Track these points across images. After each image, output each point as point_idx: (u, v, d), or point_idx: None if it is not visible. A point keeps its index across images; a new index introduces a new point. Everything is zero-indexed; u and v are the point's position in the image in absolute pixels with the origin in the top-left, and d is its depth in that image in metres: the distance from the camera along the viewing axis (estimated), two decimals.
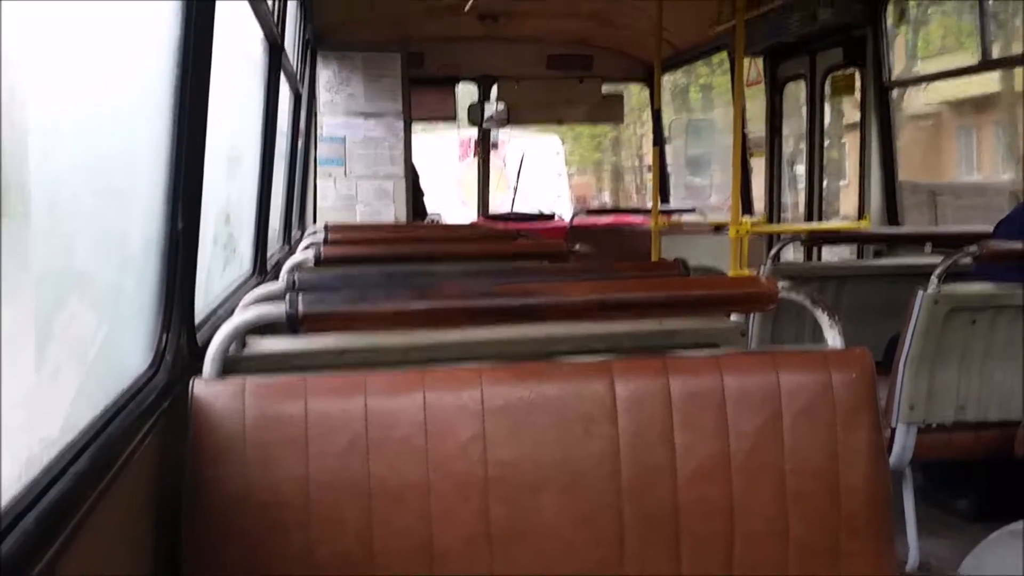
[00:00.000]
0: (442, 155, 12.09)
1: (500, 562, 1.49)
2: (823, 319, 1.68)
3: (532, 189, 10.20)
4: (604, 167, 23.85)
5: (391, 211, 6.77)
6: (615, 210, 10.65)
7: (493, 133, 8.79)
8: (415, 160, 7.13)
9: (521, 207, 9.59)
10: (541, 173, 12.13)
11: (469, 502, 1.49)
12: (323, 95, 6.66)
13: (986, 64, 4.74)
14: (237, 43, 2.88)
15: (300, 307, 1.51)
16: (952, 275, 2.84)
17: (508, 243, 3.41)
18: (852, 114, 6.50)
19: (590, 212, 8.69)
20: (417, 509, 1.47)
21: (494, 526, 1.49)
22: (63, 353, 1.21)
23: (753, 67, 6.36)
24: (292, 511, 1.44)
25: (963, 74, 5.40)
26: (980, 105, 13.48)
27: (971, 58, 4.99)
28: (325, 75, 6.66)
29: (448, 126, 12.89)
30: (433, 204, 8.92)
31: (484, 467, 1.50)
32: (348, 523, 1.45)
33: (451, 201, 11.13)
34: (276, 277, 2.41)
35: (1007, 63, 5.52)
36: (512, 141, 11.60)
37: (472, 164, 12.28)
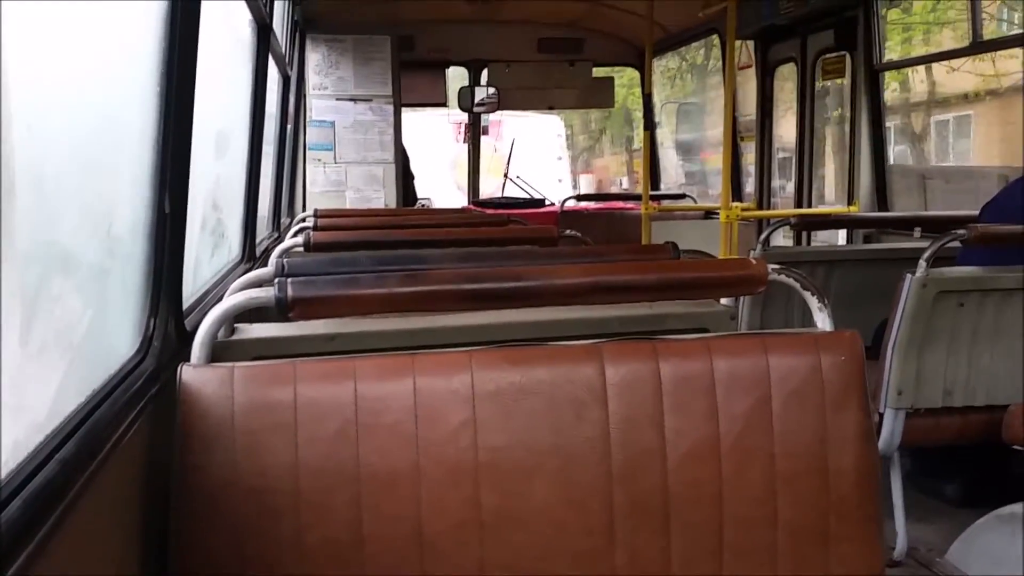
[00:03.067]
0: (436, 136, 11.95)
1: (491, 547, 1.49)
2: (812, 302, 1.68)
3: (532, 172, 10.10)
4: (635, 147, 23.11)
5: (381, 197, 6.75)
6: (606, 196, 10.64)
7: (484, 117, 8.76)
8: (406, 142, 7.10)
9: (518, 191, 9.55)
10: (541, 156, 12.05)
11: (459, 487, 1.49)
12: (312, 78, 6.62)
13: (977, 46, 4.73)
14: (225, 22, 2.86)
15: (289, 292, 1.51)
16: (940, 259, 2.85)
17: (498, 228, 3.40)
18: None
19: (581, 198, 8.67)
20: (407, 495, 1.47)
21: (485, 511, 1.49)
22: (49, 335, 1.20)
23: (744, 50, 6.35)
24: (281, 497, 1.44)
25: (954, 56, 5.40)
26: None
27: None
28: (314, 58, 6.61)
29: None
30: (427, 189, 8.89)
31: (474, 452, 1.49)
32: (337, 509, 1.45)
33: (446, 185, 11.07)
34: (265, 263, 2.40)
35: (998, 45, 5.52)
36: (511, 123, 11.43)
37: (494, 150, 12.16)
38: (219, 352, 1.57)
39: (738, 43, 4.98)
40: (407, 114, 7.25)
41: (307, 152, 6.60)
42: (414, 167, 7.68)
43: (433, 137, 11.67)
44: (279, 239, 3.92)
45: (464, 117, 11.81)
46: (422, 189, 8.03)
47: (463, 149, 10.80)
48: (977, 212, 3.45)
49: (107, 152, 1.53)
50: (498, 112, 8.64)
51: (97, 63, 1.44)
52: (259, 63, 3.43)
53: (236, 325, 1.83)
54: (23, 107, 1.04)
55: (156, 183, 1.64)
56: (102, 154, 1.50)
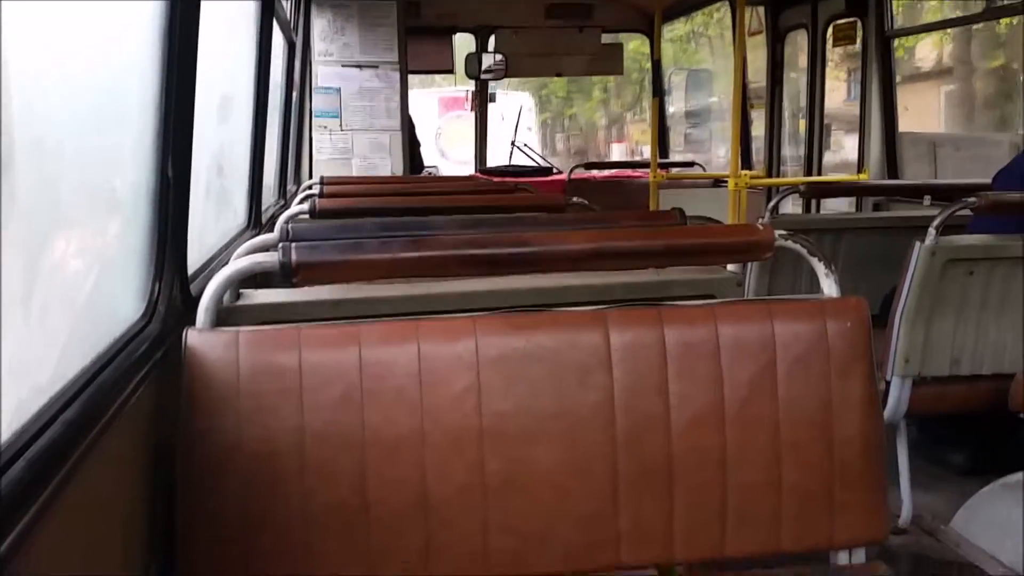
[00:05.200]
0: (423, 110, 12.54)
1: (494, 512, 1.50)
2: (819, 267, 1.67)
3: (506, 142, 10.37)
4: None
5: (387, 164, 6.71)
6: (614, 163, 10.59)
7: (492, 86, 8.69)
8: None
9: (497, 159, 9.53)
10: (512, 128, 12.63)
11: (463, 452, 1.49)
12: (317, 44, 6.56)
13: (991, 12, 4.67)
14: None
15: (294, 257, 1.50)
16: (950, 227, 2.83)
17: (505, 196, 3.38)
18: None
19: (588, 165, 8.62)
20: (411, 459, 1.47)
21: (488, 476, 1.50)
22: (52, 295, 1.20)
23: (755, 17, 6.27)
24: (287, 461, 1.44)
25: (967, 23, 5.33)
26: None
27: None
28: (320, 24, 6.55)
29: (425, 84, 13.51)
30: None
31: (479, 417, 1.50)
32: (342, 473, 1.46)
33: (431, 152, 11.40)
34: (271, 231, 2.40)
35: (1011, 10, 5.44)
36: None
37: (451, 118, 13.18)
38: (224, 317, 1.57)
39: (748, 9, 4.91)
40: None
41: (313, 119, 6.56)
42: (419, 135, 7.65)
43: (420, 111, 12.20)
44: (285, 206, 3.91)
45: (447, 93, 13.37)
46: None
47: (446, 121, 13.09)
48: (988, 180, 3.42)
49: (110, 116, 1.52)
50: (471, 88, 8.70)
51: (98, 26, 1.42)
52: (263, 28, 3.40)
53: (241, 291, 1.83)
54: (23, 72, 1.03)
55: (159, 147, 1.63)
56: (105, 119, 1.49)
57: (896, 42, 5.33)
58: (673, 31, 13.56)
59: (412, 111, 7.01)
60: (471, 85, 8.81)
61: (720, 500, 1.57)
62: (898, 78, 5.38)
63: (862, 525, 1.61)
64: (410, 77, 6.86)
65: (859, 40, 5.50)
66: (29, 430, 0.99)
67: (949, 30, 9.32)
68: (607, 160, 14.81)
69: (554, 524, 1.52)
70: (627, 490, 1.54)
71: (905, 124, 5.40)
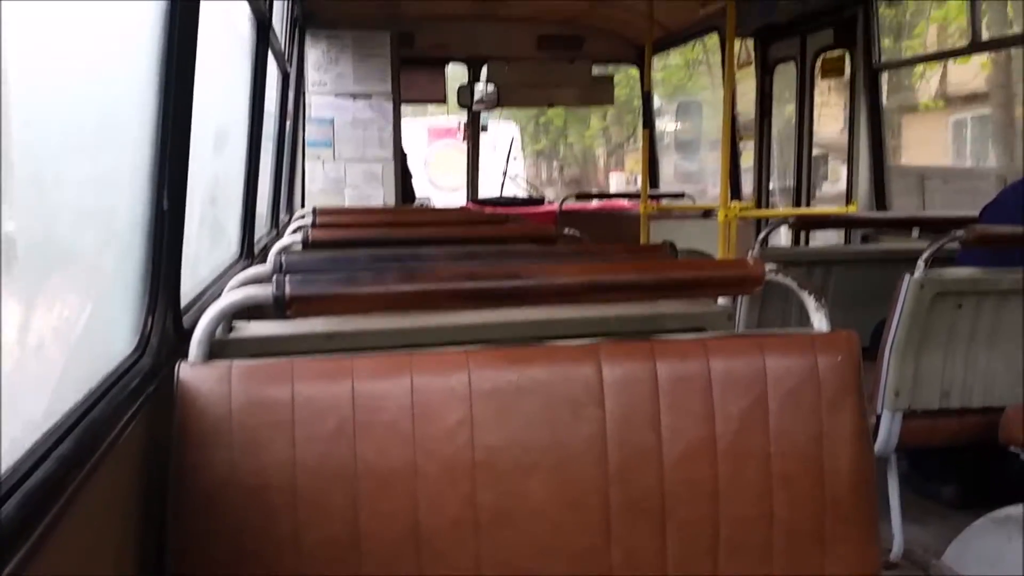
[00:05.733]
0: (412, 140, 12.79)
1: (487, 546, 1.49)
2: (809, 302, 1.68)
3: (495, 170, 10.53)
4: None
5: (380, 195, 6.74)
6: (604, 195, 10.66)
7: (483, 116, 8.75)
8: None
9: (488, 189, 9.60)
10: (500, 158, 12.82)
11: (456, 486, 1.49)
12: (312, 75, 6.61)
13: (976, 46, 4.73)
14: (225, 19, 2.85)
15: (287, 289, 1.50)
16: (939, 260, 2.85)
17: (497, 227, 3.40)
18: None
19: (579, 196, 8.67)
20: (404, 493, 1.47)
21: (481, 510, 1.49)
22: (46, 332, 1.20)
23: (744, 49, 6.35)
24: (279, 495, 1.44)
25: (953, 55, 5.40)
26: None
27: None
28: (314, 54, 6.60)
29: (417, 113, 13.82)
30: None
31: (471, 451, 1.50)
32: (335, 507, 1.45)
33: (420, 180, 11.55)
34: (264, 261, 2.40)
35: (997, 45, 5.52)
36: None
37: (440, 148, 13.56)
38: (217, 350, 1.57)
39: (737, 41, 4.97)
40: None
41: (306, 149, 6.59)
42: (410, 166, 7.68)
43: (410, 141, 12.47)
44: (278, 236, 3.92)
45: (437, 124, 13.74)
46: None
47: (434, 150, 13.50)
48: (975, 213, 3.45)
49: (106, 152, 1.53)
50: (460, 119, 8.79)
51: (96, 59, 1.44)
52: (258, 60, 3.43)
53: (234, 323, 1.83)
54: (21, 101, 1.04)
55: (154, 180, 1.63)
56: (101, 154, 1.50)
57: (890, 73, 5.39)
58: (667, 60, 13.74)
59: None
60: (462, 114, 8.86)
61: (712, 534, 1.57)
62: (897, 108, 5.45)
63: (854, 559, 1.61)
64: (401, 106, 6.91)
65: (847, 72, 5.57)
66: (23, 466, 0.99)
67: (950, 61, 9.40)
68: (604, 191, 14.96)
69: (547, 558, 1.52)
70: (619, 524, 1.54)
71: (908, 157, 5.47)
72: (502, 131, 13.32)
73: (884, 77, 5.28)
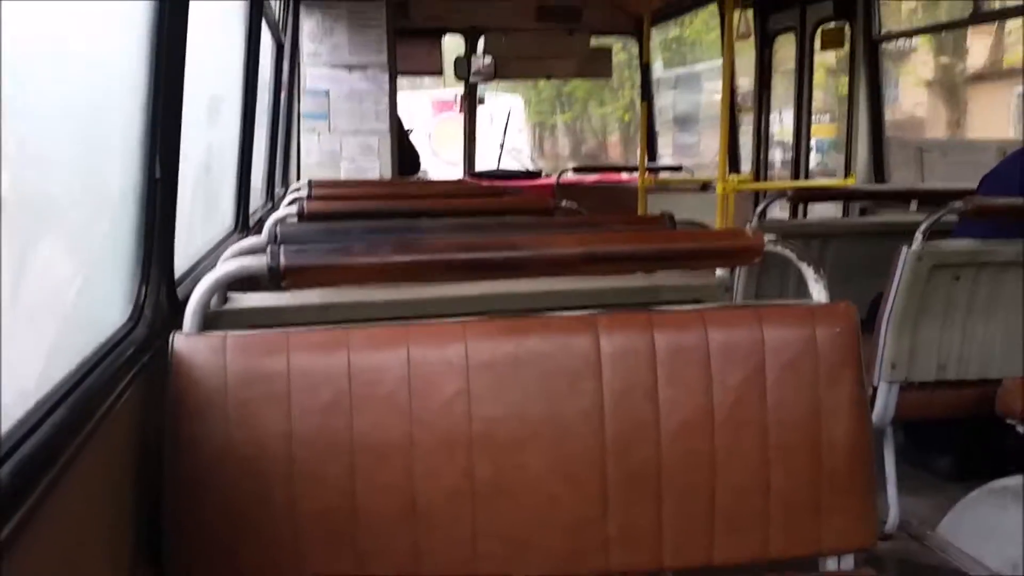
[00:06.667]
0: (417, 112, 12.73)
1: (484, 518, 1.49)
2: (808, 273, 1.68)
3: (495, 144, 10.51)
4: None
5: (376, 168, 6.69)
6: (602, 168, 10.62)
7: (480, 88, 8.69)
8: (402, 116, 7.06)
9: (489, 161, 9.56)
10: (502, 130, 12.78)
11: (453, 458, 1.49)
12: (306, 45, 6.54)
13: (978, 16, 4.69)
14: None
15: (282, 260, 1.49)
16: (937, 232, 2.84)
17: (494, 199, 3.38)
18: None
19: (577, 170, 8.63)
20: (400, 465, 1.47)
21: (478, 482, 1.49)
22: (37, 301, 1.19)
23: (743, 20, 6.30)
24: (274, 466, 1.44)
25: (955, 27, 5.36)
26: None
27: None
28: (308, 25, 6.53)
29: (418, 86, 13.72)
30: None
31: (468, 423, 1.49)
32: (331, 479, 1.45)
33: (424, 152, 11.52)
34: (259, 233, 2.38)
35: (999, 14, 5.47)
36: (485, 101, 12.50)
37: (444, 120, 13.21)
38: (211, 321, 1.56)
39: (737, 12, 4.92)
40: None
41: (301, 121, 6.54)
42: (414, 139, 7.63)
43: (414, 113, 12.42)
44: (273, 209, 3.90)
45: (441, 96, 13.42)
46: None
47: (439, 123, 13.04)
48: (973, 185, 3.44)
49: (97, 118, 1.51)
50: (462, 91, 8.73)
51: (87, 27, 1.41)
52: (252, 28, 3.39)
53: (229, 294, 1.82)
54: (8, 68, 1.02)
55: (146, 148, 1.61)
56: (91, 120, 1.48)
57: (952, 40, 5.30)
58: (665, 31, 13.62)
59: (404, 112, 7.00)
60: (460, 87, 8.80)
61: (709, 505, 1.57)
62: (962, 79, 5.39)
63: (851, 531, 1.61)
64: (400, 79, 6.86)
65: (847, 44, 5.53)
66: (15, 435, 0.98)
67: None
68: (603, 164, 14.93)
69: (543, 530, 1.52)
70: (616, 495, 1.54)
71: (974, 131, 5.40)
72: (506, 104, 13.27)
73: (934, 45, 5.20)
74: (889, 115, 5.53)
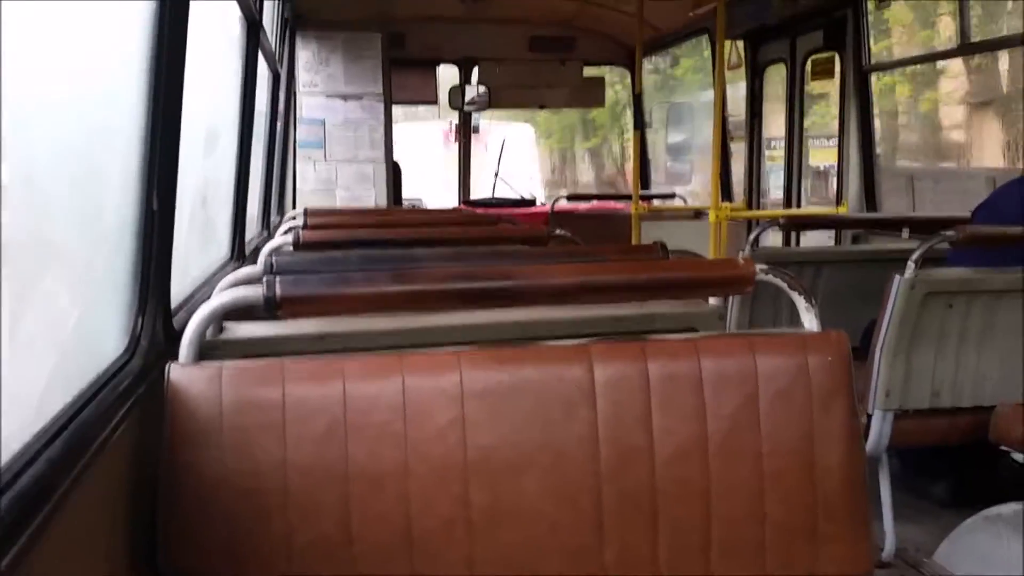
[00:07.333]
0: (429, 141, 12.71)
1: (479, 546, 1.49)
2: (799, 302, 1.69)
3: (512, 170, 10.57)
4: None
5: (371, 196, 6.73)
6: (596, 196, 10.67)
7: (474, 117, 8.76)
8: (402, 147, 7.10)
9: (503, 189, 9.62)
10: (518, 158, 12.71)
11: (448, 486, 1.49)
12: (302, 75, 6.60)
13: (965, 48, 4.75)
14: (214, 18, 2.84)
15: (278, 290, 1.50)
16: (929, 260, 2.86)
17: (489, 228, 3.39)
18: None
19: (571, 198, 8.68)
20: (396, 493, 1.47)
21: (474, 510, 1.49)
22: (36, 333, 1.19)
23: (734, 51, 6.37)
24: (270, 496, 1.43)
25: (942, 58, 5.42)
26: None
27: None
28: (304, 55, 6.59)
29: (430, 113, 13.77)
30: (420, 185, 8.99)
31: (463, 451, 1.49)
32: (326, 508, 1.45)
33: (437, 180, 11.53)
34: (255, 262, 2.39)
35: (986, 47, 5.54)
36: (494, 129, 12.43)
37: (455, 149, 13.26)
38: (207, 351, 1.56)
39: (728, 43, 4.98)
40: (402, 124, 7.28)
41: (297, 150, 6.58)
42: (407, 167, 7.68)
43: (426, 142, 12.44)
44: (268, 237, 3.91)
45: (454, 124, 13.09)
46: (415, 189, 8.05)
47: (451, 150, 11.99)
48: (965, 213, 3.47)
49: (97, 153, 1.52)
50: (481, 118, 8.78)
51: (85, 60, 1.43)
52: (249, 60, 3.42)
53: (225, 324, 1.83)
54: (8, 102, 1.03)
55: (144, 180, 1.63)
56: (92, 156, 1.49)
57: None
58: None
59: (416, 142, 7.02)
60: (455, 117, 8.86)
61: (704, 533, 1.57)
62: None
63: (846, 558, 1.61)
64: (399, 111, 6.91)
65: (837, 74, 5.58)
66: (13, 467, 0.98)
67: None
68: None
69: (540, 557, 1.52)
70: (612, 523, 1.54)
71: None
72: (516, 132, 13.31)
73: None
74: None
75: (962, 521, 2.80)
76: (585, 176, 23.86)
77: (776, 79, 6.35)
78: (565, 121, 21.76)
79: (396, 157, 7.05)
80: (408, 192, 7.88)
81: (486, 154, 11.20)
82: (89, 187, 1.50)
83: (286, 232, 3.03)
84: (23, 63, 1.12)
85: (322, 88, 6.62)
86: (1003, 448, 2.84)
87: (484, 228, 3.39)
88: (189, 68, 1.79)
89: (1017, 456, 2.77)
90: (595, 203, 8.50)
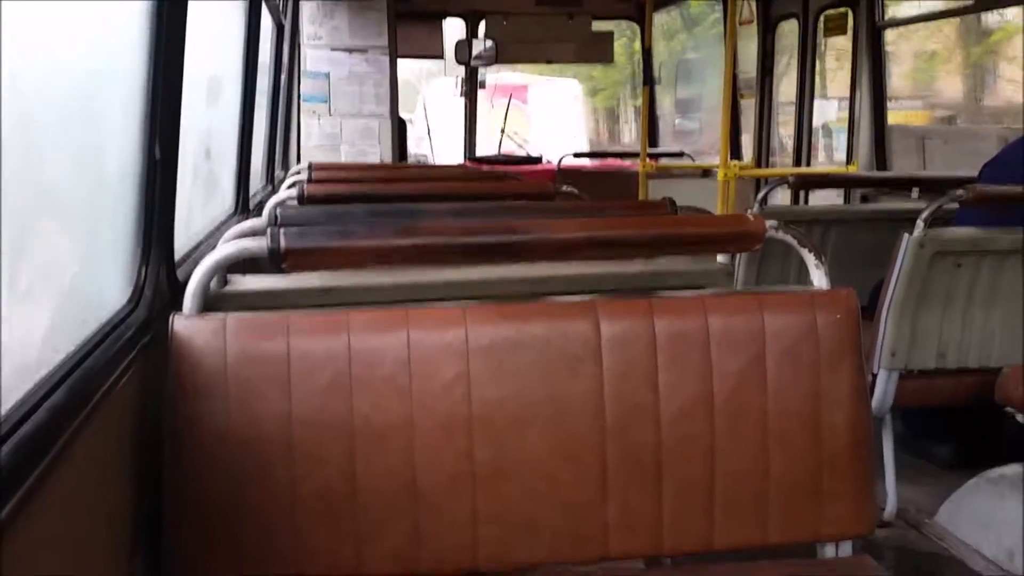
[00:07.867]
0: (450, 100, 12.51)
1: (483, 499, 1.49)
2: (809, 259, 1.67)
3: (555, 129, 10.36)
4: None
5: (377, 152, 6.67)
6: (604, 153, 10.59)
7: (481, 72, 8.66)
8: (428, 104, 7.01)
9: (516, 149, 9.53)
10: (560, 116, 12.42)
11: (453, 440, 1.49)
12: (306, 28, 6.51)
13: (982, 3, 4.67)
14: None
15: (283, 242, 1.49)
16: (938, 220, 2.83)
17: (495, 183, 3.37)
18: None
19: (578, 155, 8.60)
20: (400, 447, 1.47)
21: (478, 464, 1.49)
22: (36, 276, 1.18)
23: (746, 6, 6.27)
24: (274, 448, 1.44)
25: (959, 14, 5.33)
26: None
27: None
28: (309, 7, 6.50)
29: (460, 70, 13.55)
30: (443, 145, 8.89)
31: (468, 406, 1.49)
32: (331, 460, 1.45)
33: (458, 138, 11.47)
34: (259, 216, 2.38)
35: (1002, 2, 5.44)
36: (536, 87, 12.13)
37: (491, 106, 12.84)
38: (212, 304, 1.55)
39: None
40: (428, 83, 7.19)
41: (301, 104, 6.51)
42: (431, 125, 7.61)
43: (447, 100, 12.24)
44: (273, 192, 3.88)
45: (499, 80, 12.56)
46: (436, 145, 7.96)
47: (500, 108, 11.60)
48: (975, 173, 3.43)
49: (97, 99, 1.50)
50: (524, 77, 8.63)
51: (85, 6, 1.40)
52: (252, 9, 3.37)
53: (229, 277, 1.82)
54: (7, 50, 1.01)
55: (146, 129, 1.60)
56: (92, 102, 1.47)
57: None
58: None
59: (438, 100, 6.89)
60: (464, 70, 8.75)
61: (708, 491, 1.57)
62: None
63: (849, 518, 1.62)
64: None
65: (850, 30, 5.50)
66: (13, 416, 0.98)
67: None
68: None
69: (542, 513, 1.52)
70: (615, 480, 1.54)
71: None
72: (563, 89, 12.96)
73: None
74: None
75: (964, 482, 2.81)
76: (630, 136, 23.67)
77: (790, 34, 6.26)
78: (615, 77, 21.35)
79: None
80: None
81: (525, 110, 10.92)
82: (90, 136, 1.48)
83: (291, 186, 3.01)
84: (23, 12, 1.09)
85: (326, 41, 6.54)
86: (1007, 410, 2.83)
87: (490, 184, 3.37)
88: (191, 15, 1.75)
89: (1021, 418, 2.77)
90: (602, 161, 8.44)
